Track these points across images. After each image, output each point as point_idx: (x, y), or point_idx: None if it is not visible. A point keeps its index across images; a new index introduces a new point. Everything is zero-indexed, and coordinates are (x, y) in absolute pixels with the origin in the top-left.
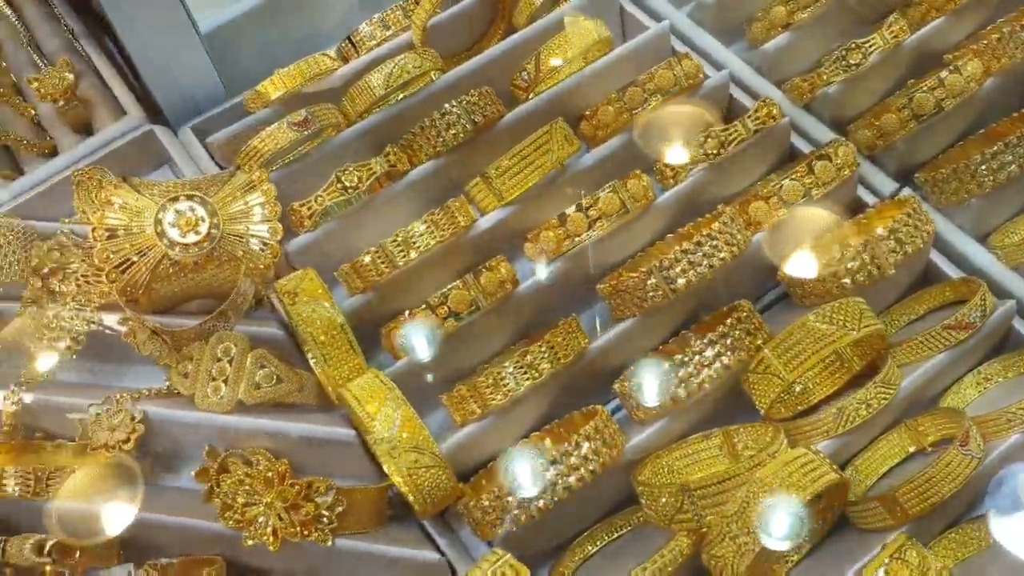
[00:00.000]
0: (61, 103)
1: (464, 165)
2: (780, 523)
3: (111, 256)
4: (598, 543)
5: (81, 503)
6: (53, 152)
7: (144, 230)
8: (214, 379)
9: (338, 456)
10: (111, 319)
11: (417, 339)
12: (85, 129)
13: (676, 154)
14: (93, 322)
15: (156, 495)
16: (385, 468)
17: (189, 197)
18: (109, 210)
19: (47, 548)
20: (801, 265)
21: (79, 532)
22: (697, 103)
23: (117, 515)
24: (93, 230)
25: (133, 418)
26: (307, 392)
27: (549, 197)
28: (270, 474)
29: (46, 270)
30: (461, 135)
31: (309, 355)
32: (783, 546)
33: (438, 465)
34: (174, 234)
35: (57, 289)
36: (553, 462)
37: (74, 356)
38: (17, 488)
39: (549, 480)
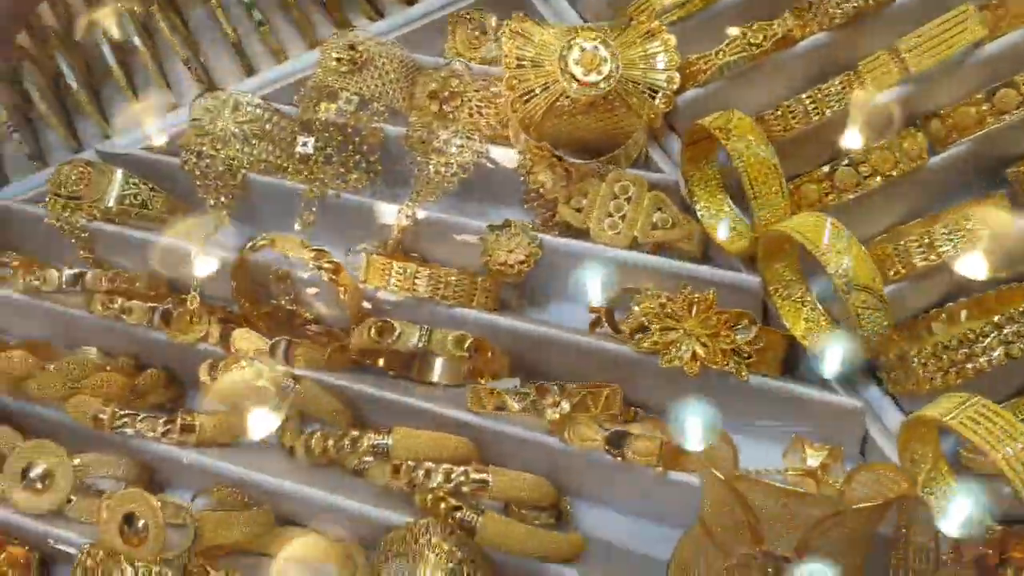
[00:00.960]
0: None
1: (851, 44)
2: None
3: (517, 85)
4: None
5: None
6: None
7: (549, 64)
8: (611, 215)
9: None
10: (496, 152)
11: None
12: None
13: None
14: (480, 153)
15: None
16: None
17: (593, 38)
18: (519, 41)
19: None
20: None
21: None
22: None
23: None
24: (505, 57)
25: (531, 241)
26: (693, 242)
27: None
28: (695, 299)
29: (445, 94)
30: (854, 9)
31: (749, 194)
32: None
33: (883, 309)
34: (576, 71)
35: (452, 115)
36: (999, 326)
37: (451, 185)
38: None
39: (991, 342)
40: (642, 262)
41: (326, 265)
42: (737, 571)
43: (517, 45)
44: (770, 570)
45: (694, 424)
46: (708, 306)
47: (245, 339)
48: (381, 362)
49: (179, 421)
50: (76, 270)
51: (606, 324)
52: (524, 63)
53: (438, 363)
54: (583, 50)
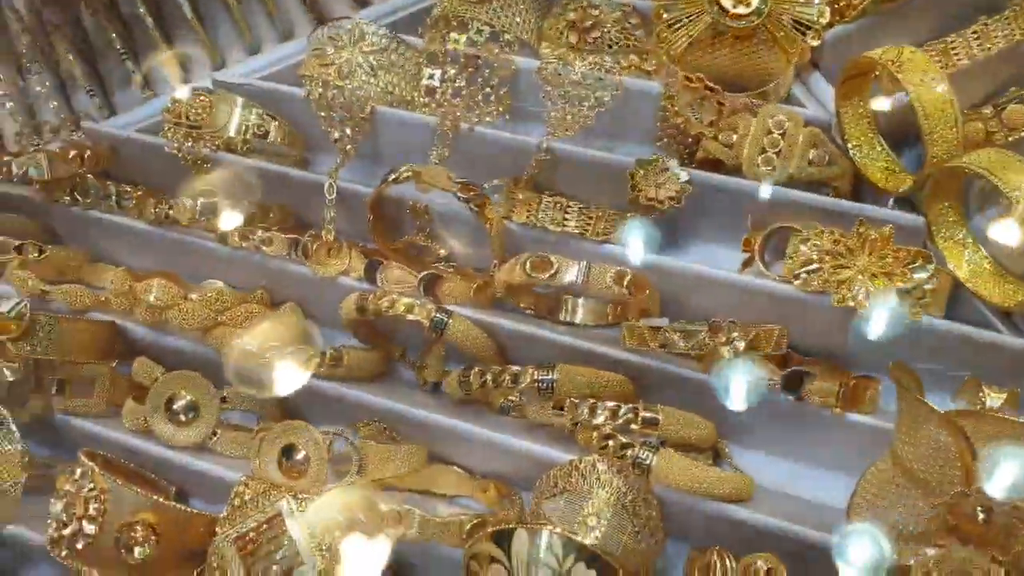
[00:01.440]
0: None
1: None
2: None
3: (664, 14)
4: None
5: None
6: None
7: None
8: (764, 151)
9: None
10: (635, 85)
11: None
12: None
13: None
14: (618, 86)
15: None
16: None
17: None
18: None
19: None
20: None
21: None
22: None
23: None
24: None
25: (679, 178)
26: (845, 180)
27: None
28: (871, 235)
29: (587, 24)
30: None
31: (924, 129)
32: None
33: None
34: (726, 2)
35: (591, 45)
36: None
37: (588, 119)
38: None
39: None
40: (792, 198)
41: (474, 198)
42: (949, 511)
43: None
44: (982, 509)
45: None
46: (885, 243)
47: (394, 273)
48: (523, 303)
49: (328, 353)
50: (212, 199)
51: (759, 263)
52: None
53: (582, 303)
54: None
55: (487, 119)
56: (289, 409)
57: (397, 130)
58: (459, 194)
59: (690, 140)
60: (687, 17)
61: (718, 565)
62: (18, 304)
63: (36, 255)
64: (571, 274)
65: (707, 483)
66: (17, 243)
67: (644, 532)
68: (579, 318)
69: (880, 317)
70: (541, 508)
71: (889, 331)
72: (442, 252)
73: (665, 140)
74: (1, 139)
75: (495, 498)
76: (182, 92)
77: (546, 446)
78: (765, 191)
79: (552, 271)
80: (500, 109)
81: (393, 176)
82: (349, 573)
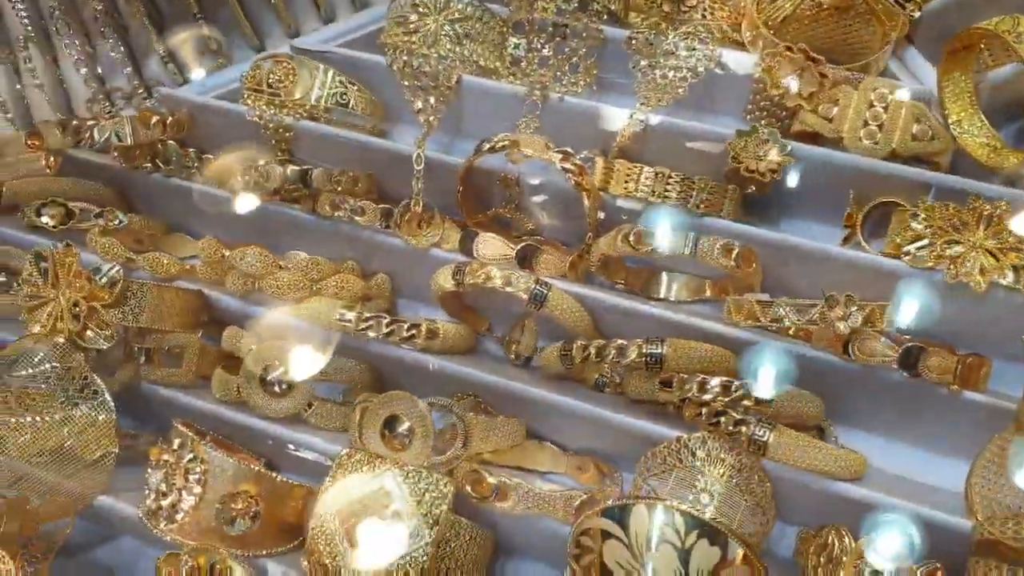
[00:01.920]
0: None
1: None
2: None
3: None
4: None
5: None
6: None
7: None
8: (867, 124)
9: None
10: (729, 56)
11: None
12: None
13: None
14: (711, 57)
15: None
16: None
17: None
18: None
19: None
20: None
21: None
22: None
23: None
24: None
25: (783, 149)
26: (945, 156)
27: None
28: (986, 210)
29: None
30: None
31: None
32: None
33: None
34: None
35: (683, 15)
36: None
37: (681, 90)
38: None
39: None
40: (895, 172)
41: (573, 168)
42: None
43: None
44: None
45: None
46: (1001, 219)
47: (491, 244)
48: (616, 278)
49: (424, 326)
50: (301, 167)
51: (860, 238)
52: None
53: (679, 278)
54: None
55: (575, 89)
56: (380, 381)
57: (482, 100)
58: (560, 164)
59: (783, 113)
60: None
61: (836, 544)
62: (110, 269)
63: (116, 223)
64: (678, 245)
65: (821, 460)
66: (98, 210)
67: (757, 510)
68: (674, 294)
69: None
70: (648, 484)
71: (992, 306)
72: (529, 225)
73: (756, 113)
74: (69, 106)
75: (594, 476)
76: (266, 57)
77: (647, 422)
78: (867, 164)
79: (656, 242)
80: (587, 80)
81: (489, 145)
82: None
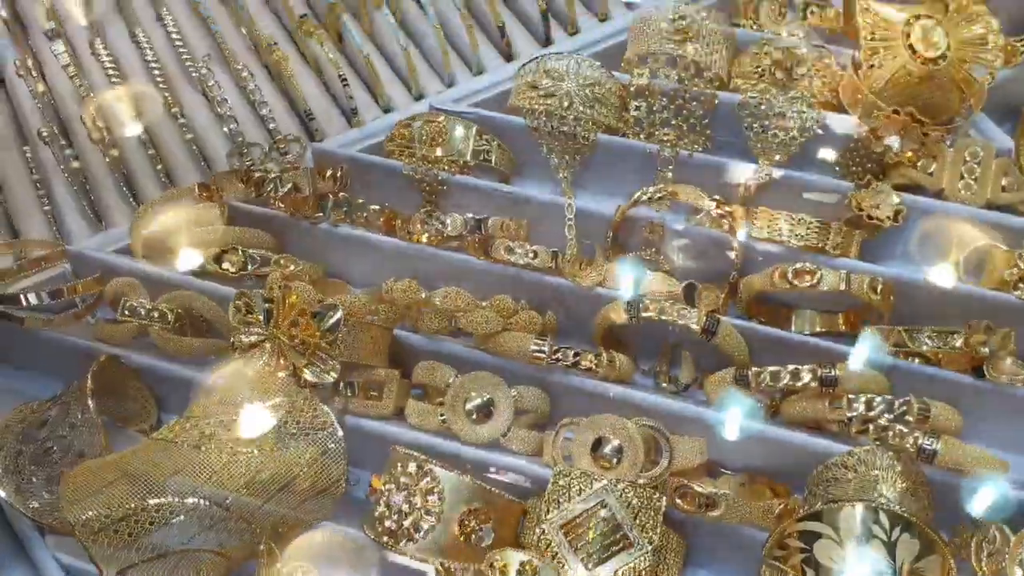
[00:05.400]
0: None
1: None
2: None
3: (870, 56)
4: None
5: None
6: None
7: (894, 39)
8: (962, 177)
9: None
10: (832, 118)
11: None
12: None
13: None
14: (817, 119)
15: None
16: None
17: (931, 18)
18: (868, 16)
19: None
20: None
21: None
22: None
23: None
24: (861, 30)
25: (893, 200)
26: None
27: None
28: None
29: (791, 63)
30: None
31: None
32: None
33: None
34: (918, 47)
35: (794, 82)
36: None
37: (795, 147)
38: None
39: None
40: (998, 221)
41: (726, 213)
42: None
43: (867, 20)
44: None
45: None
46: None
47: (659, 281)
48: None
49: (604, 356)
50: (475, 216)
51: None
52: (874, 37)
53: (808, 313)
54: (924, 29)
55: (696, 147)
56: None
57: (611, 157)
58: (715, 211)
59: (875, 168)
60: (887, 60)
61: (998, 537)
62: (334, 314)
63: (291, 268)
64: (834, 281)
65: (984, 464)
66: (275, 256)
67: (922, 516)
68: (809, 327)
69: None
70: (829, 493)
71: None
72: (666, 267)
73: (850, 167)
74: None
75: (767, 496)
76: (414, 117)
77: (819, 438)
78: (968, 212)
79: (815, 279)
80: (704, 138)
81: (647, 195)
82: None
